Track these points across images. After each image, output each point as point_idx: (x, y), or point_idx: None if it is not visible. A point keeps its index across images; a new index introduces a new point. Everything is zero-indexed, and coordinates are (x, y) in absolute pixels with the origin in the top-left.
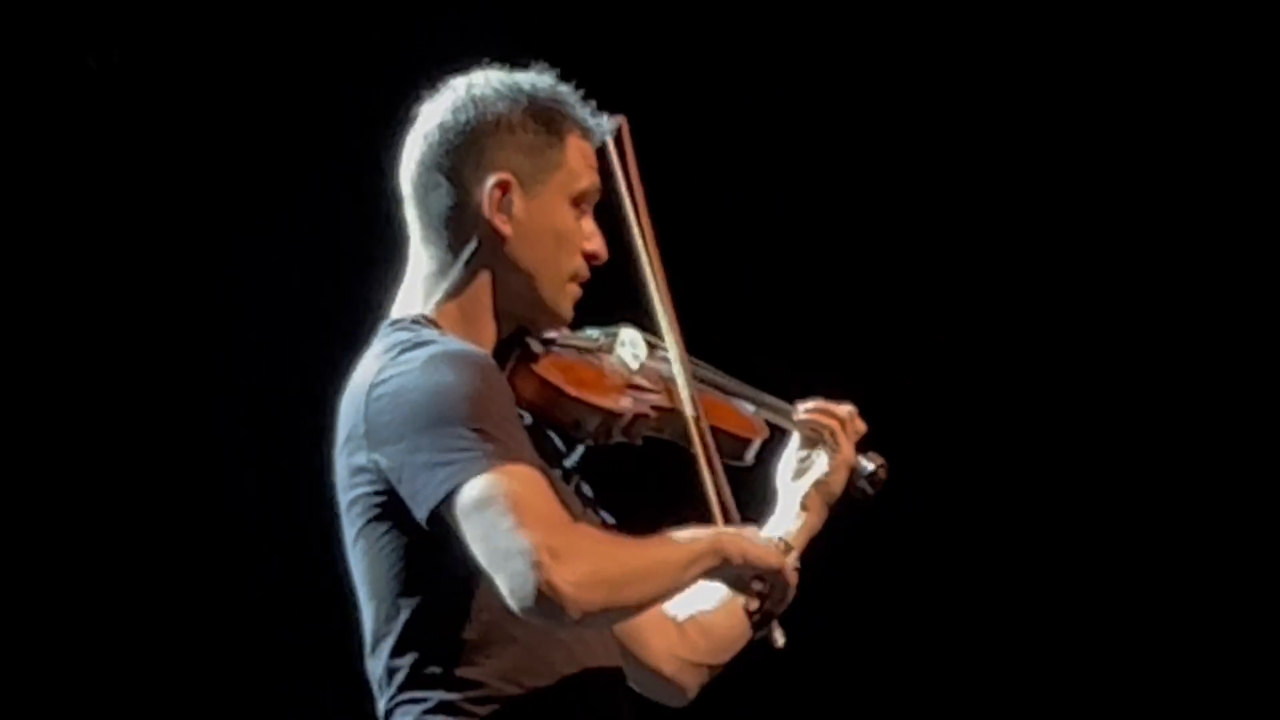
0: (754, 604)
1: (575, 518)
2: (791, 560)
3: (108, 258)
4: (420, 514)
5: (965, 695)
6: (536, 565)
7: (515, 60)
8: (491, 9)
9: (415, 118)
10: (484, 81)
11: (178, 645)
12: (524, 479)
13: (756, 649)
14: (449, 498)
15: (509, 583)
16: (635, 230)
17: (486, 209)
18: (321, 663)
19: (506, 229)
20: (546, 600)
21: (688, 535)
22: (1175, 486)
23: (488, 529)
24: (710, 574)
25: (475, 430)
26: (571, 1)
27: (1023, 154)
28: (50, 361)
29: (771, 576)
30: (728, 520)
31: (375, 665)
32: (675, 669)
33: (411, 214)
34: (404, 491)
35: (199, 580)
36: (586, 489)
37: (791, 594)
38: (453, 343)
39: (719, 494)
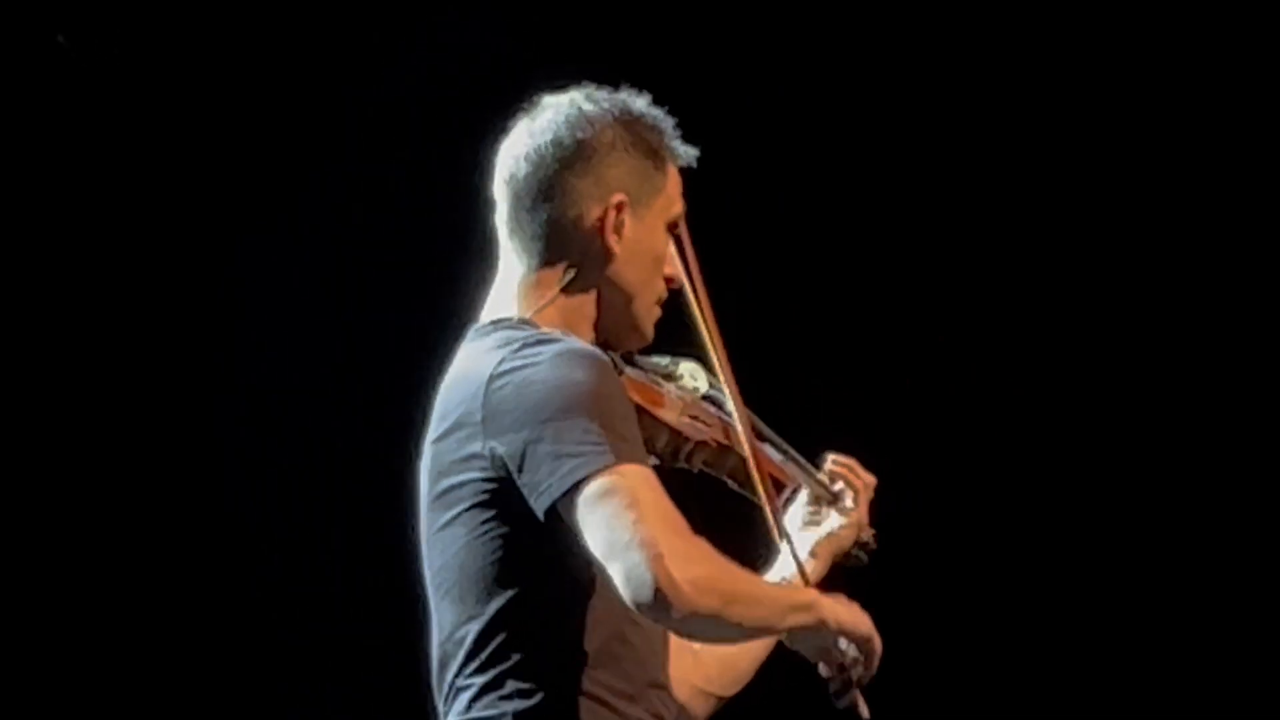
0: (836, 673)
1: None
2: None
3: (108, 259)
4: (541, 504)
5: (966, 696)
6: (657, 558)
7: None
8: (492, 9)
9: (514, 129)
10: (594, 101)
11: (178, 645)
12: (648, 480)
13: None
14: (574, 488)
15: (627, 572)
16: (685, 273)
17: (603, 227)
18: (322, 663)
19: (617, 248)
20: (661, 594)
21: (794, 587)
22: (1175, 487)
23: (611, 520)
24: (800, 633)
25: (602, 426)
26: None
27: (1023, 154)
28: (50, 362)
29: (863, 645)
30: (793, 552)
31: (453, 647)
32: (688, 696)
33: (510, 222)
34: (524, 480)
35: (199, 580)
36: None
37: (877, 663)
38: (577, 342)
39: (781, 532)
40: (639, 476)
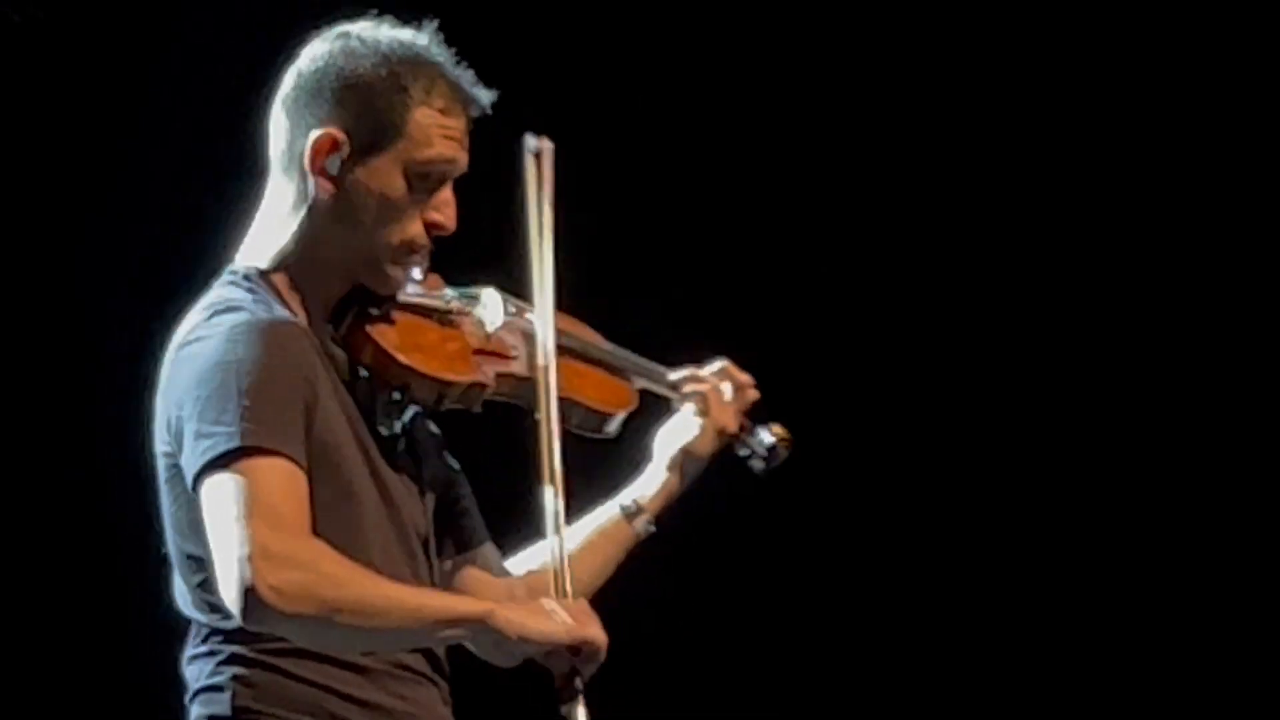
0: (561, 680)
1: (384, 491)
2: (642, 522)
3: (110, 259)
4: (189, 484)
5: (961, 695)
6: (247, 559)
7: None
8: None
9: (300, 53)
10: (358, 36)
11: (177, 644)
12: (271, 471)
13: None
14: (203, 471)
15: (223, 572)
16: (535, 202)
17: (306, 163)
18: None
19: (327, 187)
20: (249, 598)
21: (460, 599)
22: (1174, 488)
23: (216, 511)
24: (491, 647)
25: (243, 408)
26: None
27: (1019, 153)
28: (52, 361)
29: (569, 651)
30: (555, 490)
31: (184, 619)
32: None
33: (271, 150)
34: (181, 458)
35: None
36: (424, 447)
37: (591, 667)
38: (263, 312)
39: (550, 465)
40: (263, 468)
